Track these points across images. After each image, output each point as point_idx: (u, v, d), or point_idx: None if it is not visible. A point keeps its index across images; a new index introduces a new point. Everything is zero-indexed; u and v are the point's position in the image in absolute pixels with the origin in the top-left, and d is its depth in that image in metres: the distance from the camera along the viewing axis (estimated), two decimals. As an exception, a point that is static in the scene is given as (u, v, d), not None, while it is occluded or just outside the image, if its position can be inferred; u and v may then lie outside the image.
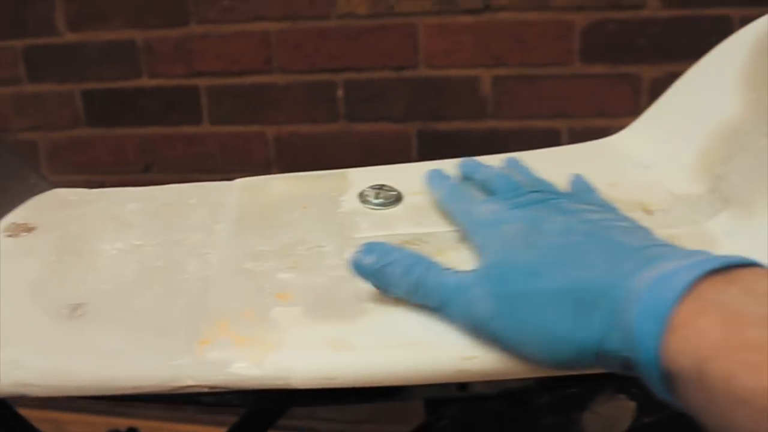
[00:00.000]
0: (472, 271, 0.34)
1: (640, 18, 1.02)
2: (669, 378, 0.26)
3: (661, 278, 0.27)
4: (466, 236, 0.41)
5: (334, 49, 1.09)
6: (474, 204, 0.40)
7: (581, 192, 0.44)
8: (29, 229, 0.42)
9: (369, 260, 0.36)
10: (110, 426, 0.86)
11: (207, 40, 1.12)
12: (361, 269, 0.36)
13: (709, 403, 0.24)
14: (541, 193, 0.39)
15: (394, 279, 0.35)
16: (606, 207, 0.40)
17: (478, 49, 1.08)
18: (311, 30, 1.09)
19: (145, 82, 1.15)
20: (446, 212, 0.44)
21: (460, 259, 0.40)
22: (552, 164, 0.47)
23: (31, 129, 1.21)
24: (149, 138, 1.18)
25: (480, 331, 0.33)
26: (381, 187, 0.47)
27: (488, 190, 0.43)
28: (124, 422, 1.07)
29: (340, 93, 1.11)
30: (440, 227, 0.43)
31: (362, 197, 0.47)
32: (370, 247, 0.36)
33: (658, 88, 1.06)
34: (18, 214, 0.44)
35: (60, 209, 0.45)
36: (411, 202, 0.46)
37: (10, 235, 0.41)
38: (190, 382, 0.33)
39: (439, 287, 0.34)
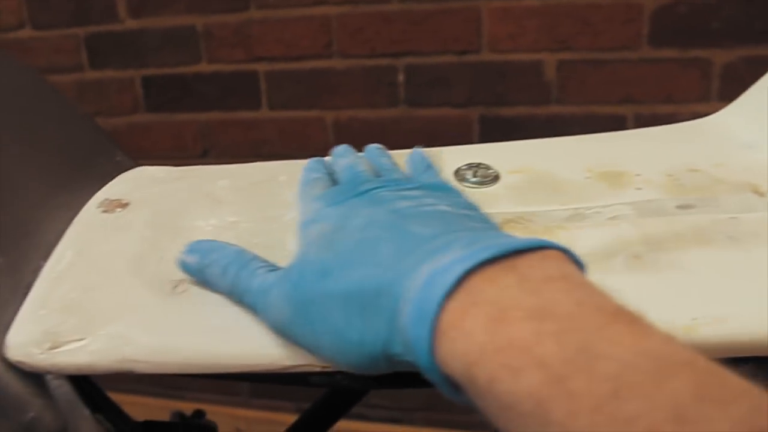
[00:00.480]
0: (276, 272, 0.33)
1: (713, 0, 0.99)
2: (451, 382, 0.25)
3: (432, 275, 0.25)
4: None
5: (396, 34, 1.08)
6: (307, 202, 0.38)
7: (417, 173, 0.41)
8: (123, 205, 0.41)
9: (191, 260, 0.35)
10: (168, 408, 0.86)
11: (266, 25, 1.11)
12: (186, 268, 0.35)
13: (483, 408, 0.23)
14: (369, 184, 0.35)
15: (215, 279, 0.34)
16: (436, 188, 0.36)
17: (542, 32, 1.05)
18: (372, 14, 1.07)
19: (204, 67, 1.15)
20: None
21: (570, 239, 0.38)
22: (652, 144, 0.45)
23: (92, 115, 1.22)
24: (208, 123, 1.18)
25: (283, 335, 0.32)
26: (477, 165, 0.45)
27: (335, 183, 0.41)
28: (180, 405, 1.08)
29: (401, 78, 1.10)
30: (545, 206, 0.42)
31: (459, 175, 0.45)
32: (192, 247, 0.35)
33: (730, 74, 1.03)
34: (109, 191, 0.43)
35: (150, 186, 0.45)
36: (509, 181, 0.45)
37: (104, 211, 0.41)
38: (304, 362, 0.32)
39: (247, 290, 0.33)
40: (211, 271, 0.34)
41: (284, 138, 1.16)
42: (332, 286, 0.29)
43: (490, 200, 0.43)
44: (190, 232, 0.40)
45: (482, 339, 0.23)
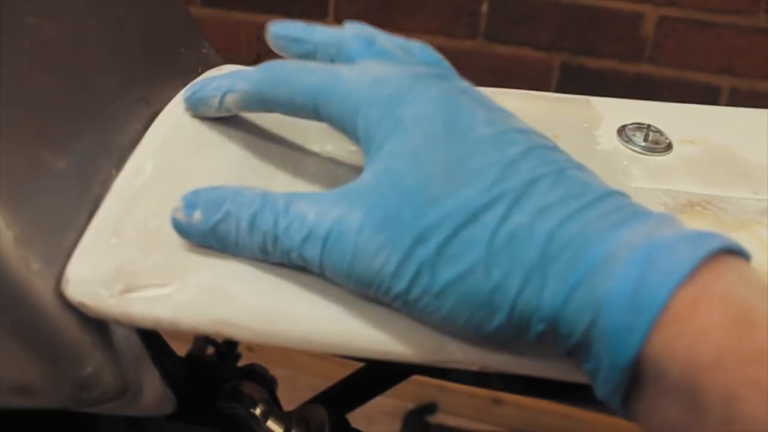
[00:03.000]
0: (354, 196, 0.24)
1: None
2: (633, 382, 0.21)
3: (652, 249, 0.21)
4: (335, 116, 0.27)
5: (486, -42, 0.96)
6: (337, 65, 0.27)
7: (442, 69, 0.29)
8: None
9: (194, 218, 0.25)
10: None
11: (344, -74, 1.00)
12: (187, 233, 0.25)
13: (691, 425, 0.19)
14: (429, 67, 0.27)
15: (234, 239, 0.25)
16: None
17: (650, -19, 0.94)
18: (464, -69, 0.96)
19: (268, -36, 1.04)
20: (279, 78, 0.28)
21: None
22: None
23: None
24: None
25: (364, 291, 0.24)
26: (648, 127, 0.37)
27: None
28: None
29: (484, 8, 0.99)
30: (733, 191, 0.33)
31: (624, 136, 0.36)
32: (190, 200, 0.25)
33: None
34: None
35: None
36: (684, 152, 0.36)
37: (195, 114, 0.32)
38: (459, 357, 0.24)
39: (298, 243, 0.24)
40: (227, 228, 0.25)
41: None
42: (482, 225, 0.22)
43: (666, 173, 0.34)
44: (301, 161, 0.31)
45: (721, 342, 0.19)
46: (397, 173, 0.23)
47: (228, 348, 0.65)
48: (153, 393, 0.26)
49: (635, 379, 0.21)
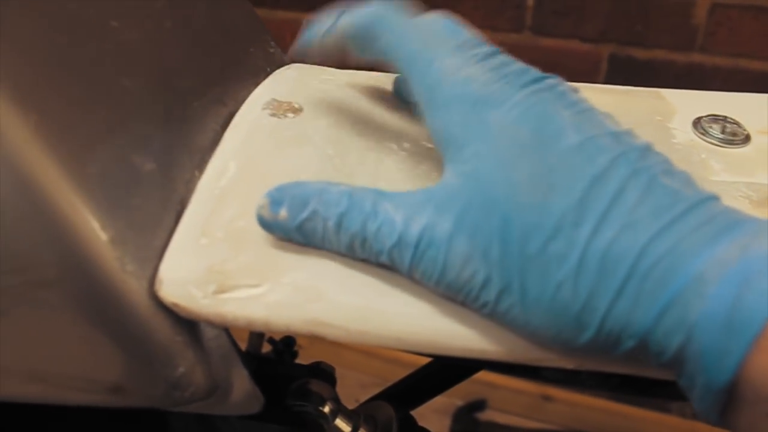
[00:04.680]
0: (441, 200, 0.24)
1: None
2: (731, 401, 0.20)
3: (749, 265, 0.20)
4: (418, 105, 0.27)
5: (533, -51, 0.95)
6: (438, 49, 0.26)
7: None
8: (295, 110, 0.32)
9: (281, 216, 0.25)
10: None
11: None
12: (272, 229, 0.25)
13: None
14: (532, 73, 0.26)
15: (321, 237, 0.25)
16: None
17: (701, -32, 0.92)
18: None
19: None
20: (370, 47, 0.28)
21: None
22: None
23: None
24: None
25: (468, 302, 0.24)
26: (724, 119, 0.36)
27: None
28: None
29: (530, 1, 0.98)
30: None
31: (699, 128, 0.35)
32: (275, 196, 0.25)
33: None
34: (273, 89, 0.34)
35: (319, 90, 0.35)
36: (763, 143, 0.35)
37: (273, 114, 0.32)
38: (555, 356, 0.23)
39: (390, 245, 0.24)
40: (314, 227, 0.25)
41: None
42: (556, 244, 0.22)
43: (744, 165, 0.33)
44: (380, 158, 0.31)
45: None
46: (484, 181, 0.23)
47: (285, 346, 0.65)
48: (241, 392, 0.27)
49: (733, 398, 0.20)
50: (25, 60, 0.23)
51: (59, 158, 0.23)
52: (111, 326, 0.24)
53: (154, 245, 0.25)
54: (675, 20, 0.95)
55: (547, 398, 1.19)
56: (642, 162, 0.23)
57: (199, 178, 0.28)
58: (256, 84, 0.34)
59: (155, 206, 0.26)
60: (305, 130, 0.31)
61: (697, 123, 0.36)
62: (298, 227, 0.25)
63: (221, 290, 0.24)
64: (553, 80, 0.26)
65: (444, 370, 0.51)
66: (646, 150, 0.24)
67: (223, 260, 0.25)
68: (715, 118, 0.36)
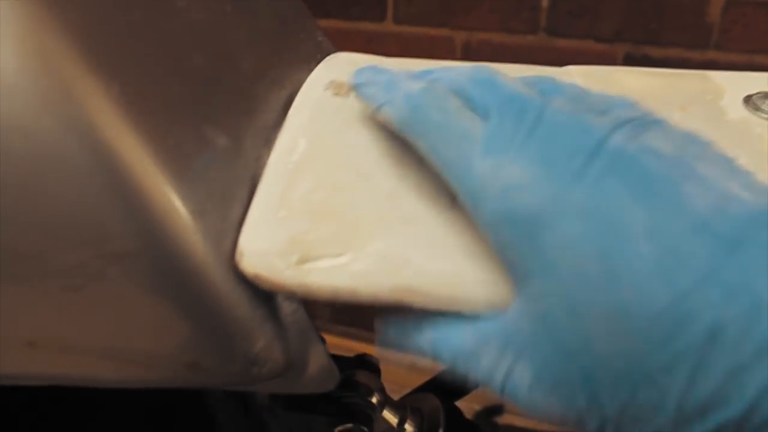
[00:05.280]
0: (514, 342, 0.22)
1: None
2: None
3: None
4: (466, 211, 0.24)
5: (546, -49, 0.96)
6: (474, 146, 0.22)
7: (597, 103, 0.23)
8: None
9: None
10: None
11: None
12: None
13: None
14: (600, 122, 0.21)
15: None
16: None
17: (714, -34, 0.92)
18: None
19: (324, -31, 1.05)
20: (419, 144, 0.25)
21: None
22: None
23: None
24: (325, 31, 1.08)
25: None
26: (776, 94, 0.36)
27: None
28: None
29: (544, 2, 0.98)
30: None
31: (751, 105, 0.35)
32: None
33: None
34: (330, 72, 0.34)
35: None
36: (816, 119, 0.35)
37: (335, 94, 0.32)
38: None
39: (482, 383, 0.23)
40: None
41: (407, 56, 1.06)
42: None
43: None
44: None
45: None
46: (556, 328, 0.20)
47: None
48: (317, 368, 0.26)
49: None
50: (104, 31, 0.23)
51: (140, 128, 0.22)
52: (189, 300, 0.24)
53: (231, 219, 0.25)
54: (689, 18, 0.96)
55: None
56: (740, 274, 0.18)
57: (267, 155, 0.28)
58: (309, 69, 0.34)
59: (230, 180, 0.26)
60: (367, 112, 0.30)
61: (748, 100, 0.36)
62: None
63: (304, 260, 0.24)
64: (623, 135, 0.21)
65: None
66: (748, 251, 0.18)
67: (304, 231, 0.24)
68: (766, 95, 0.36)
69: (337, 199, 0.25)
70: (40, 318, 0.23)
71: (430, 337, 0.24)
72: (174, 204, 0.23)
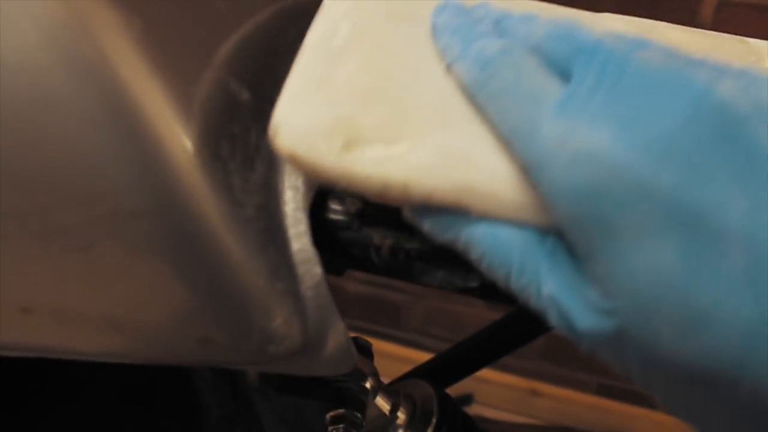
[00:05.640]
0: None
1: None
2: None
3: None
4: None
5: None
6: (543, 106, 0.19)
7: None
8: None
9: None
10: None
11: None
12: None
13: None
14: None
15: None
16: None
17: (709, -36, 0.92)
18: None
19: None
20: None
21: None
22: None
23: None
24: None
25: None
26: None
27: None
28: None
29: None
30: None
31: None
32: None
33: None
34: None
35: None
36: None
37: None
38: None
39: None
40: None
41: None
42: None
43: None
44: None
45: None
46: (623, 324, 0.18)
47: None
48: (335, 348, 0.24)
49: None
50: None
51: (164, 74, 0.20)
52: (205, 267, 0.21)
53: (253, 180, 0.23)
54: (682, 17, 0.96)
55: (534, 393, 1.18)
56: None
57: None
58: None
59: (253, 138, 0.23)
60: (416, 9, 0.26)
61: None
62: None
63: (352, 145, 0.20)
64: (729, 88, 0.17)
65: (478, 347, 0.50)
66: None
67: (351, 113, 0.21)
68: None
69: (387, 86, 0.22)
70: (38, 282, 0.21)
71: (474, 234, 0.21)
72: (194, 162, 0.20)
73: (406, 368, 0.49)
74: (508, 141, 0.20)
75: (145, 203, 0.20)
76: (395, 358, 1.21)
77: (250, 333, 0.22)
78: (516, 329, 0.47)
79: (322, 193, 0.25)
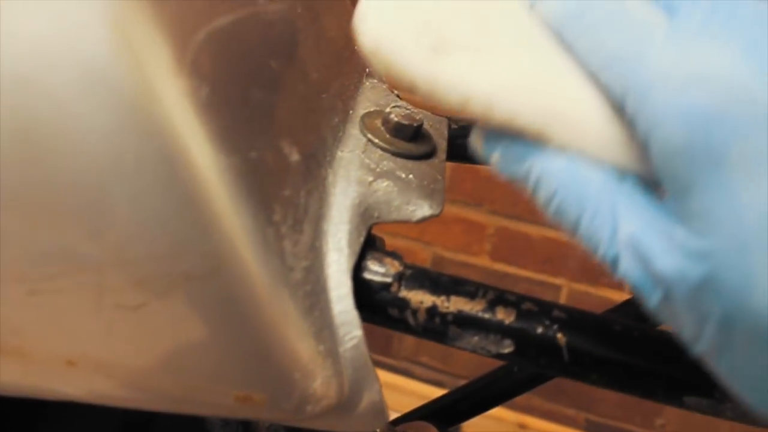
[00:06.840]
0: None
1: None
2: None
3: None
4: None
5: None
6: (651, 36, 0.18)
7: None
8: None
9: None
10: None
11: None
12: None
13: None
14: None
15: None
16: None
17: None
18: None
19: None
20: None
21: None
22: None
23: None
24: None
25: None
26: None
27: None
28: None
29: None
30: None
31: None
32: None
33: None
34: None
35: None
36: None
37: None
38: None
39: None
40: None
41: None
42: None
43: None
44: None
45: None
46: (717, 284, 0.17)
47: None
48: (368, 407, 0.24)
49: None
50: (189, 28, 0.21)
51: (225, 139, 0.20)
52: (253, 330, 0.22)
53: (302, 242, 0.23)
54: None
55: (522, 427, 1.19)
56: None
57: (332, 175, 0.26)
58: (362, 80, 0.32)
59: (302, 199, 0.24)
60: None
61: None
62: None
63: (439, 48, 0.19)
64: None
65: (481, 391, 0.50)
66: None
67: (441, 18, 0.20)
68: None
69: (470, 5, 0.20)
70: (85, 336, 0.21)
71: (550, 168, 0.19)
72: (249, 228, 0.21)
73: (397, 396, 0.49)
74: (605, 69, 0.19)
75: (200, 267, 0.20)
76: (386, 386, 1.21)
77: (290, 394, 0.23)
78: (523, 373, 0.48)
79: (361, 254, 0.25)
